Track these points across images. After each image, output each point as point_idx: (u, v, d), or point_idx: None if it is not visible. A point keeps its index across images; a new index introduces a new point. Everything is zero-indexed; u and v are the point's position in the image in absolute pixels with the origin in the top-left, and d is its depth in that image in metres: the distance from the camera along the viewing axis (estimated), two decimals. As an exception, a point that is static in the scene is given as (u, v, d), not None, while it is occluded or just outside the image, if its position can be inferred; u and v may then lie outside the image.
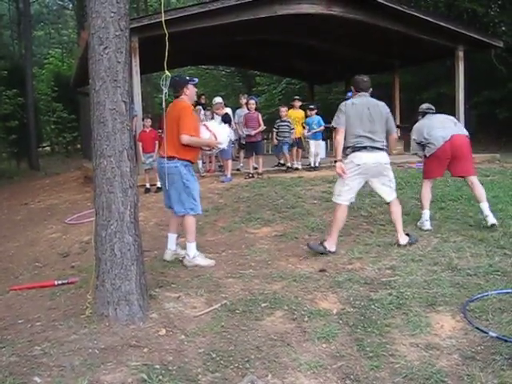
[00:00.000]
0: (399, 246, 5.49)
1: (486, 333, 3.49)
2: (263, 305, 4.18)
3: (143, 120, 10.40)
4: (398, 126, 14.79)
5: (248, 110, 10.79)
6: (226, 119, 10.29)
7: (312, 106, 11.75)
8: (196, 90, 5.48)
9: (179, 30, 10.08)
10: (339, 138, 5.45)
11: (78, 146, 27.17)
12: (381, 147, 5.46)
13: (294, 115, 11.52)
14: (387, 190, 5.61)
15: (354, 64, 16.58)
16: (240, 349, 3.48)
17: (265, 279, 4.77)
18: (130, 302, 4.01)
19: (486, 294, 4.12)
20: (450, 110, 13.24)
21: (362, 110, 5.45)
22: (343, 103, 5.54)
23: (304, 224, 6.58)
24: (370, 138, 5.39)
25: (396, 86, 15.74)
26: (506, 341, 3.36)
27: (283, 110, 11.11)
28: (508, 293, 4.13)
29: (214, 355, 3.39)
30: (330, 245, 5.41)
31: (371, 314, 3.89)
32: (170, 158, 5.18)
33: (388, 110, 5.68)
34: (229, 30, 11.85)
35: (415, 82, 20.33)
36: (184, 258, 5.40)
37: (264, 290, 4.49)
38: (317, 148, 11.12)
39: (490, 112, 17.05)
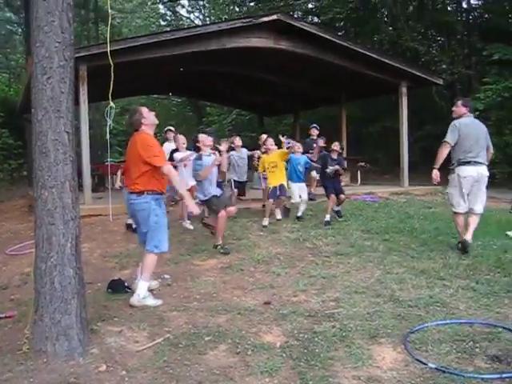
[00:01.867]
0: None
1: (425, 364, 3.56)
2: (207, 338, 4.15)
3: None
4: (344, 159, 15.20)
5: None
6: None
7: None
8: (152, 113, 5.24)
9: (129, 60, 10.07)
10: None
11: (24, 173, 26.39)
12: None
13: (268, 161, 8.86)
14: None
15: (302, 97, 16.95)
16: (182, 384, 3.43)
17: (209, 312, 4.73)
18: (69, 336, 3.90)
19: (425, 325, 4.22)
20: (395, 143, 13.67)
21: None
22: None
23: (250, 256, 6.57)
24: None
25: (343, 119, 16.08)
26: (443, 371, 3.44)
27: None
28: (447, 324, 4.24)
29: (155, 392, 3.33)
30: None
31: (314, 347, 3.91)
32: (140, 193, 4.99)
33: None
34: (179, 60, 11.91)
35: (362, 115, 20.88)
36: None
37: (208, 324, 4.46)
38: (301, 192, 9.10)
39: (433, 146, 17.59)
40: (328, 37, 11.82)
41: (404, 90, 13.36)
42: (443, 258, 6.25)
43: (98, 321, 4.54)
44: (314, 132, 11.76)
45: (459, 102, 6.88)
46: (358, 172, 14.46)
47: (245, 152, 10.06)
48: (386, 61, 12.65)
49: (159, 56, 10.77)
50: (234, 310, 4.75)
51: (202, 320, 4.57)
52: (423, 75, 13.39)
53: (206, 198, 7.15)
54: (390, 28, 20.85)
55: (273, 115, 22.19)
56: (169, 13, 34.17)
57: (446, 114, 17.82)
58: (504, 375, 3.36)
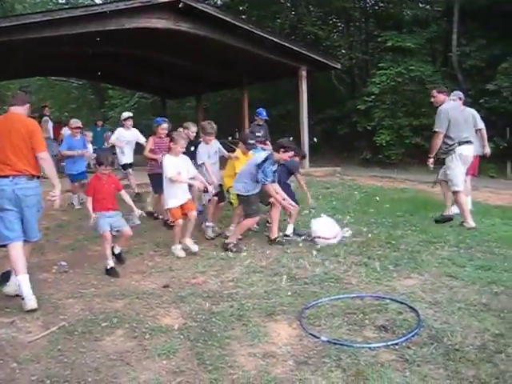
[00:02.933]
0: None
1: (318, 338, 3.71)
2: (104, 324, 4.08)
3: (99, 164, 5.77)
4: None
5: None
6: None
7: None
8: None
9: (23, 38, 9.59)
10: None
11: None
12: None
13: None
14: None
15: (204, 79, 16.88)
16: (77, 372, 3.36)
17: (107, 298, 4.65)
18: (-47, 331, 3.70)
19: (320, 300, 4.39)
20: (297, 126, 13.98)
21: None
22: None
23: (150, 240, 6.52)
24: None
25: (245, 102, 16.22)
26: (335, 344, 3.60)
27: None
28: (339, 298, 4.43)
29: (47, 382, 3.24)
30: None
31: (212, 327, 3.95)
32: (32, 177, 4.58)
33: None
34: (77, 41, 11.43)
35: (264, 98, 21.13)
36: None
37: (105, 309, 4.38)
38: None
39: (333, 128, 18.24)
40: (229, 19, 11.83)
41: (304, 73, 13.66)
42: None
43: (-12, 313, 4.34)
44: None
45: (434, 91, 7.16)
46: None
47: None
48: (286, 45, 12.87)
49: (55, 35, 10.30)
50: (132, 294, 4.70)
51: (99, 306, 4.49)
52: (322, 59, 13.75)
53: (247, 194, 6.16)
54: (292, 13, 21.18)
55: (175, 98, 21.97)
56: (68, -10, 32.57)
57: (345, 98, 18.53)
58: (389, 343, 3.58)
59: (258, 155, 6.26)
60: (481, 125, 7.69)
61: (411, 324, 3.86)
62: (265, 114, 10.05)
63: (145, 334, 3.88)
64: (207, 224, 6.87)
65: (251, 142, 6.97)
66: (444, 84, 15.19)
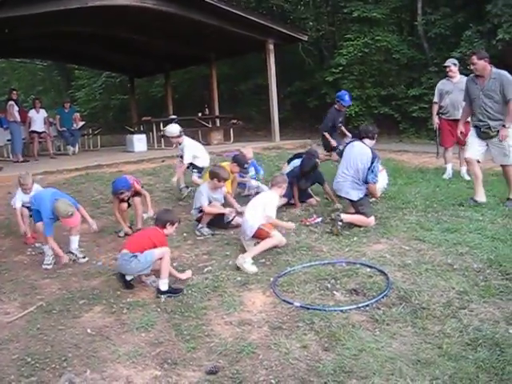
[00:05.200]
0: None
1: (291, 303, 3.84)
2: (81, 302, 4.16)
3: (172, 223, 4.70)
4: (217, 117, 15.36)
5: None
6: None
7: None
8: None
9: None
10: None
11: None
12: None
13: None
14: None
15: (172, 56, 16.71)
16: (57, 349, 3.44)
17: (83, 276, 4.72)
18: None
19: (292, 268, 4.51)
20: (267, 100, 13.98)
21: None
22: None
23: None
24: None
25: (213, 78, 16.10)
26: (308, 308, 3.74)
27: None
28: (311, 265, 4.56)
29: (29, 359, 3.32)
30: None
31: (188, 299, 4.06)
32: None
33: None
34: (39, 20, 11.17)
35: (233, 73, 21.01)
36: None
37: (82, 287, 4.46)
38: None
39: (302, 101, 18.25)
40: (192, -6, 11.68)
41: (271, 46, 13.59)
42: (309, 206, 6.62)
43: (-35, 297, 4.36)
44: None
45: (475, 57, 6.04)
46: (231, 130, 14.65)
47: None
48: (252, 18, 12.77)
49: (15, 16, 10.05)
50: (108, 271, 4.78)
51: (76, 284, 4.55)
52: (289, 32, 13.69)
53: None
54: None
55: (143, 76, 21.68)
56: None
57: (314, 70, 18.53)
58: (360, 305, 3.73)
59: (366, 155, 5.85)
60: None
61: (381, 286, 4.01)
62: (348, 99, 8.86)
63: (122, 309, 3.98)
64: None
65: (246, 166, 6.70)
66: (410, 53, 15.41)
